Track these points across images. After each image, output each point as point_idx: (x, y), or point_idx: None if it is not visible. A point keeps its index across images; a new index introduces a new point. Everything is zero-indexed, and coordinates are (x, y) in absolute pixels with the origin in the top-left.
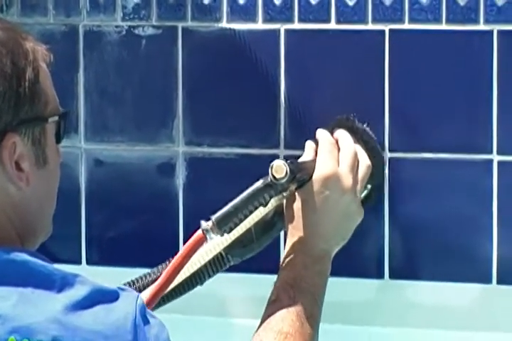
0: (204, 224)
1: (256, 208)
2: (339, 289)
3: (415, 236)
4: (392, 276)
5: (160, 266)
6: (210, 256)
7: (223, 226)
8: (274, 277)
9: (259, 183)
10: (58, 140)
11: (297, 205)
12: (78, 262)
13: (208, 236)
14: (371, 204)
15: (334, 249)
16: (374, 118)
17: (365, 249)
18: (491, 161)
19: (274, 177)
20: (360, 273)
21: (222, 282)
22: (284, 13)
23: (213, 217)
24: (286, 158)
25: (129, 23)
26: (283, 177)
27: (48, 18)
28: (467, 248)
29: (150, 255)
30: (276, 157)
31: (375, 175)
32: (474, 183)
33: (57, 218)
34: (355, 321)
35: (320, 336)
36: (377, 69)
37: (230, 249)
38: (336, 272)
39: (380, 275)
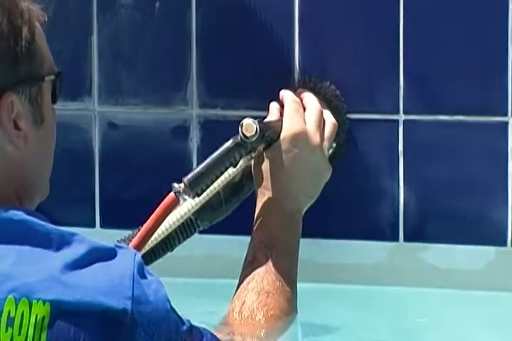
0: (176, 186)
1: (226, 168)
2: (354, 251)
3: (430, 199)
4: (406, 239)
5: (132, 232)
6: (180, 221)
7: (195, 187)
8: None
9: (229, 143)
10: (54, 99)
11: (266, 165)
12: (92, 225)
13: (180, 198)
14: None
15: (304, 206)
16: (389, 81)
17: (380, 212)
18: (506, 123)
19: (244, 135)
20: (375, 235)
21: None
22: None
23: (185, 179)
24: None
25: None
26: (253, 136)
27: None
28: (482, 210)
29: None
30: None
31: (339, 132)
32: (489, 146)
33: (71, 181)
34: (370, 282)
35: (336, 296)
36: (391, 32)
37: (199, 213)
38: (351, 234)
39: (394, 238)
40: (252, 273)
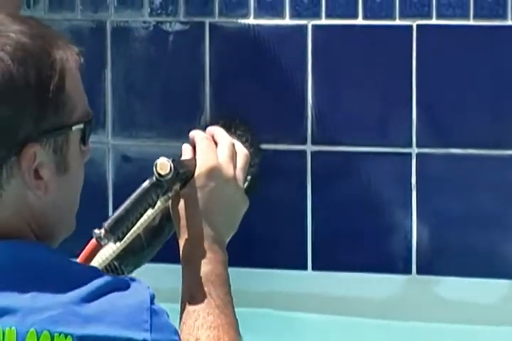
0: (97, 231)
1: (145, 210)
2: (367, 284)
3: (442, 232)
4: (419, 272)
5: None
6: (103, 266)
7: (116, 231)
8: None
9: (145, 183)
10: (84, 143)
11: (182, 205)
12: None
13: (102, 243)
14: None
15: (226, 238)
16: (402, 114)
17: (393, 245)
18: None
19: (159, 174)
20: (387, 268)
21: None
22: (311, 9)
23: (105, 224)
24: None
25: (157, 19)
26: (168, 174)
27: (76, 13)
28: (495, 244)
29: (176, 250)
30: (303, 153)
31: (253, 165)
32: (502, 179)
33: (85, 214)
34: (382, 316)
35: (350, 330)
36: (404, 65)
37: (121, 259)
38: (364, 268)
39: (407, 271)
40: (196, 311)
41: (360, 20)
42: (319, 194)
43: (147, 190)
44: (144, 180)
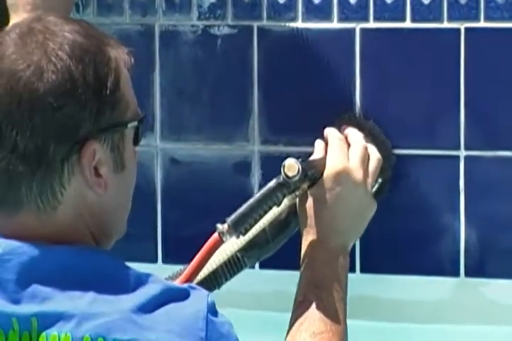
0: (220, 226)
1: (270, 208)
2: (416, 287)
3: (491, 235)
4: (468, 274)
5: (177, 271)
6: (226, 258)
7: (239, 227)
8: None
9: (272, 183)
10: (136, 143)
11: (310, 203)
12: (154, 261)
13: (224, 239)
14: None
15: (350, 243)
16: (450, 117)
17: (441, 247)
18: None
19: (286, 175)
20: (436, 271)
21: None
22: (359, 12)
23: (228, 220)
24: (297, 157)
25: (205, 23)
26: (295, 175)
27: (124, 17)
28: None
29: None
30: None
31: (385, 168)
32: None
33: (134, 217)
34: (431, 319)
35: (398, 334)
36: (452, 68)
37: (245, 251)
38: (413, 270)
39: (455, 274)
40: (304, 314)
41: (408, 24)
42: None
43: (273, 190)
44: (190, 183)
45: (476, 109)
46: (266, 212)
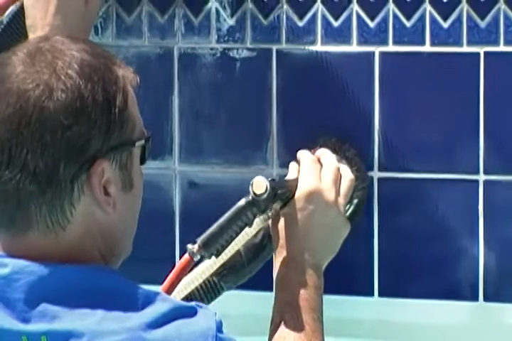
0: (190, 246)
1: (241, 228)
2: (434, 311)
3: (510, 259)
4: (486, 299)
5: None
6: (202, 282)
7: (210, 247)
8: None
9: (241, 202)
10: (142, 162)
11: (282, 224)
12: None
13: (195, 259)
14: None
15: (323, 262)
16: (469, 141)
17: (460, 272)
18: None
19: (254, 193)
20: (454, 295)
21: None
22: (378, 36)
23: (199, 239)
24: (271, 178)
25: (224, 46)
26: (263, 193)
27: (143, 40)
28: None
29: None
30: (370, 179)
31: (360, 189)
32: None
33: (152, 240)
34: None
35: None
36: (472, 92)
37: (221, 275)
38: (431, 294)
39: (474, 298)
40: (282, 335)
41: (427, 47)
42: (386, 220)
43: (242, 209)
44: (212, 207)
45: (495, 133)
46: (238, 233)
